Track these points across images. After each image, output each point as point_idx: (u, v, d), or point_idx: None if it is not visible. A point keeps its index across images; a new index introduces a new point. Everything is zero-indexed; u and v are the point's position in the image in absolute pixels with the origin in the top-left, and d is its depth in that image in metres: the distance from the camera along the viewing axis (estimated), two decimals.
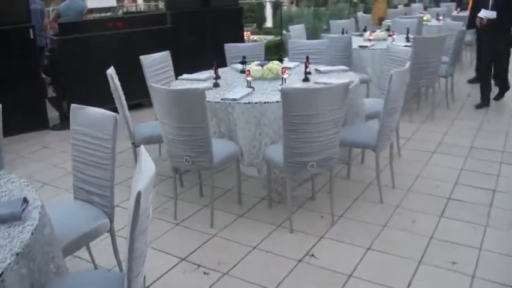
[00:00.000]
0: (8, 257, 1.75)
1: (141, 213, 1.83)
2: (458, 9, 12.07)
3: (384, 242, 3.62)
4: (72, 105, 3.12)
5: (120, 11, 13.45)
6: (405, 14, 10.81)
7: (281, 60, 5.14)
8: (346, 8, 15.86)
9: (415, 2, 18.25)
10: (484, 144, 5.58)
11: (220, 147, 3.85)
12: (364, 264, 3.36)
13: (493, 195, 4.30)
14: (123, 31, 7.27)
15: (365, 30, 8.07)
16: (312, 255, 3.46)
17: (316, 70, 5.04)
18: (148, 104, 5.91)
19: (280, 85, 4.38)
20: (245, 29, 11.56)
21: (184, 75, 5.03)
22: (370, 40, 7.25)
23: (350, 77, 4.63)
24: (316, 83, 4.49)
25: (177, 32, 7.70)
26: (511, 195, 4.31)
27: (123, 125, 4.39)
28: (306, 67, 4.68)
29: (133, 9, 15.89)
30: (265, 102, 3.94)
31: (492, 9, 6.35)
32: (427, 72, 6.32)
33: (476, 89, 7.35)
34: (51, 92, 7.59)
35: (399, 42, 6.90)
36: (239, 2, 9.00)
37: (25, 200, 2.14)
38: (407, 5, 15.08)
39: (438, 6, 14.04)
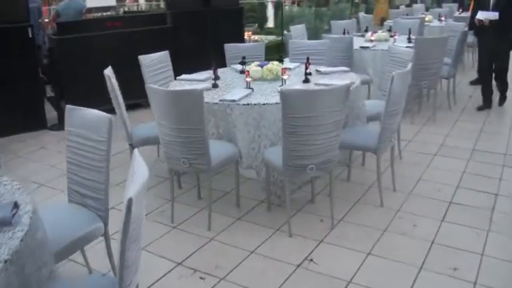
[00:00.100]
0: None
1: (132, 221, 1.77)
2: (460, 10, 12.00)
3: (384, 247, 3.55)
4: (68, 106, 3.07)
5: (121, 10, 13.40)
6: (407, 15, 10.75)
7: (281, 61, 5.08)
8: (348, 8, 15.80)
9: (416, 2, 18.20)
10: (486, 146, 5.52)
11: (219, 149, 3.79)
12: (364, 270, 3.29)
13: (495, 199, 4.24)
14: (123, 31, 7.22)
15: (366, 30, 8.01)
16: (311, 260, 3.40)
17: (317, 71, 4.98)
18: (147, 104, 5.83)
19: (280, 86, 4.32)
20: (246, 29, 11.53)
21: (183, 76, 4.97)
22: (371, 41, 7.18)
23: (351, 78, 4.56)
24: (316, 84, 4.43)
25: (177, 32, 7.63)
26: None
27: (121, 125, 4.34)
28: (306, 68, 4.61)
29: (135, 8, 15.85)
30: (264, 104, 3.88)
31: (493, 10, 6.26)
32: (428, 74, 6.25)
33: (478, 91, 7.28)
34: (50, 92, 7.54)
35: (401, 43, 6.85)
36: (240, 2, 8.94)
37: (16, 205, 2.08)
38: (409, 5, 15.01)
39: (440, 7, 13.97)
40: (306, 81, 4.55)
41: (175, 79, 5.06)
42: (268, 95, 4.13)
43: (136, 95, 5.85)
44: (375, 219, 3.95)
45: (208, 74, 4.90)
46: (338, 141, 3.62)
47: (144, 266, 3.23)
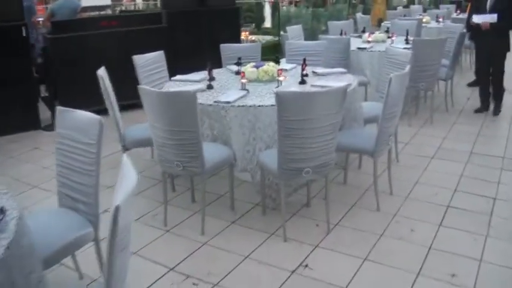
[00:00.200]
0: None
1: (120, 230, 1.70)
2: (458, 11, 11.97)
3: (381, 252, 3.49)
4: (58, 108, 3.02)
5: (118, 9, 13.33)
6: (404, 16, 10.69)
7: (277, 62, 5.02)
8: (345, 8, 15.74)
9: (414, 3, 18.18)
10: (483, 149, 5.46)
11: (213, 152, 3.72)
12: (360, 276, 3.23)
13: (493, 203, 4.18)
14: (118, 30, 7.14)
15: (364, 31, 7.94)
16: (306, 265, 3.33)
17: (314, 72, 4.92)
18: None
19: (276, 87, 4.26)
20: (244, 29, 11.47)
21: (178, 76, 4.89)
22: (369, 42, 7.13)
23: (348, 80, 4.50)
24: (312, 85, 4.36)
25: (172, 32, 7.56)
26: (511, 204, 4.19)
27: (114, 127, 4.27)
28: (303, 69, 4.55)
29: (132, 7, 15.79)
30: (259, 106, 3.81)
31: (490, 12, 6.17)
32: (426, 75, 6.20)
33: (475, 93, 7.22)
34: (44, 92, 7.46)
35: (398, 44, 6.80)
36: (237, 2, 8.87)
37: (1, 211, 2.01)
38: (406, 6, 14.99)
39: (438, 8, 13.93)
40: (302, 82, 4.48)
41: (170, 80, 4.99)
42: (264, 96, 4.07)
43: (132, 95, 5.74)
44: (372, 223, 3.88)
45: (203, 74, 4.83)
46: (334, 144, 3.55)
47: (135, 271, 3.16)
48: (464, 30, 7.01)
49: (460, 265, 3.31)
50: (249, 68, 4.61)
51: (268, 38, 12.03)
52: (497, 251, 3.49)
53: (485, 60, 6.57)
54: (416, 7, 13.18)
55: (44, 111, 6.83)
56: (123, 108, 5.42)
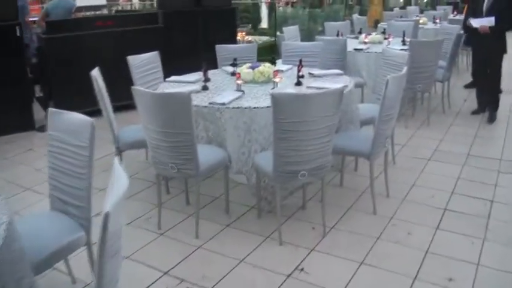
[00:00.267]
0: None
1: (110, 237, 1.66)
2: (455, 12, 11.95)
3: (378, 256, 3.45)
4: (50, 110, 2.96)
5: (114, 9, 13.28)
6: (401, 17, 10.67)
7: (273, 63, 4.97)
8: (342, 9, 15.73)
9: (411, 4, 18.19)
10: (480, 151, 5.43)
11: (207, 154, 3.67)
12: (357, 280, 3.18)
13: (490, 206, 4.15)
14: (113, 30, 7.08)
15: (360, 32, 7.91)
16: (302, 269, 3.29)
17: (310, 74, 4.87)
18: None
19: (272, 89, 4.22)
20: (240, 29, 11.43)
21: (173, 77, 4.84)
22: (365, 43, 7.10)
23: (344, 82, 4.46)
24: (308, 87, 4.33)
25: (168, 32, 7.51)
26: (509, 207, 4.15)
27: (108, 128, 4.22)
28: (299, 71, 4.50)
29: (129, 7, 15.73)
30: (255, 108, 3.77)
31: (487, 14, 6.10)
32: (423, 77, 6.16)
33: (472, 94, 7.20)
34: (39, 92, 7.41)
35: (395, 45, 6.76)
36: (234, 2, 8.83)
37: None
38: (403, 7, 14.98)
39: (434, 9, 13.92)
40: (298, 84, 4.44)
41: (164, 80, 4.94)
42: (260, 98, 4.02)
43: (127, 96, 5.70)
44: (368, 226, 3.84)
45: (198, 75, 4.78)
46: (331, 146, 3.51)
47: (128, 276, 3.13)
48: (462, 32, 6.97)
49: (457, 269, 3.28)
50: (244, 69, 4.56)
51: (265, 38, 12.00)
52: (494, 254, 3.45)
53: (482, 63, 6.52)
54: (413, 8, 13.16)
55: (38, 112, 6.76)
56: (118, 109, 5.37)
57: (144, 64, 4.97)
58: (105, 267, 1.73)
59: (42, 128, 6.53)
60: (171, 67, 5.36)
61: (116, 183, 1.80)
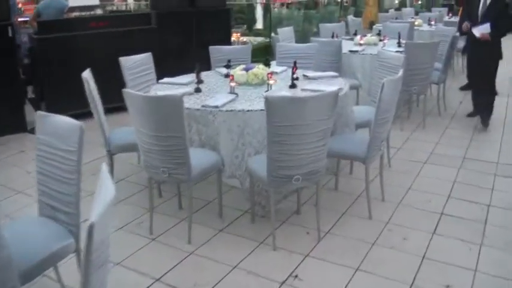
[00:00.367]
0: None
1: (96, 247, 1.59)
2: (450, 14, 11.92)
3: (373, 261, 3.39)
4: (38, 113, 2.88)
5: (109, 9, 13.19)
6: (396, 19, 10.62)
7: (267, 64, 4.90)
8: (337, 11, 15.68)
9: (406, 6, 18.17)
10: (477, 154, 5.39)
11: (200, 158, 3.60)
12: (352, 287, 3.12)
13: (487, 211, 4.10)
14: (106, 31, 6.99)
15: (355, 34, 7.86)
16: (296, 276, 3.22)
17: (304, 76, 4.81)
18: None
19: (266, 91, 4.15)
20: (235, 30, 11.37)
21: (165, 79, 4.76)
22: (360, 45, 7.04)
23: (339, 84, 4.40)
24: (303, 89, 4.26)
25: (161, 33, 7.43)
26: (506, 211, 4.10)
27: (99, 130, 4.15)
28: (293, 73, 4.44)
29: (124, 7, 15.64)
30: (248, 111, 3.70)
31: (482, 19, 6.00)
32: (419, 79, 6.11)
33: (468, 96, 7.15)
34: (31, 93, 7.32)
35: (390, 47, 6.71)
36: (229, 3, 8.77)
37: None
38: (398, 9, 14.96)
39: (430, 11, 13.89)
40: (293, 86, 4.38)
41: (157, 82, 4.86)
42: (253, 100, 3.95)
43: (120, 98, 5.64)
44: (363, 231, 3.78)
45: (191, 77, 4.71)
46: (325, 150, 3.45)
47: (118, 282, 3.07)
48: (457, 34, 6.92)
49: (455, 275, 3.22)
50: (238, 71, 4.50)
51: (260, 39, 11.95)
52: (492, 260, 3.39)
53: (477, 68, 6.39)
54: (408, 10, 13.13)
55: (30, 113, 6.66)
56: (111, 110, 5.32)
57: (136, 65, 4.89)
58: (91, 278, 1.66)
59: (34, 130, 6.43)
60: (164, 68, 5.29)
61: (103, 191, 1.73)
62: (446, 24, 9.29)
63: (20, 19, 8.56)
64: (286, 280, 3.17)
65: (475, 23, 5.98)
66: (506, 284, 3.15)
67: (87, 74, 4.07)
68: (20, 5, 11.08)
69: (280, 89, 4.32)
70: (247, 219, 3.96)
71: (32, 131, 6.30)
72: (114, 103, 4.98)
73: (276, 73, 4.89)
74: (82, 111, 5.03)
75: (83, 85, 4.08)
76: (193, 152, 3.49)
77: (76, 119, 2.67)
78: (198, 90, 4.28)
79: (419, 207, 4.17)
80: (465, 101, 7.42)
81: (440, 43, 6.44)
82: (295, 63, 4.51)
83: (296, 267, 3.31)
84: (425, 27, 9.96)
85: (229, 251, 3.52)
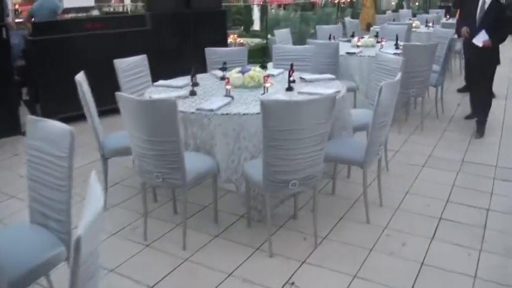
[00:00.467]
0: None
1: (84, 259, 1.52)
2: (448, 16, 11.89)
3: (371, 268, 3.32)
4: (29, 117, 2.82)
5: (106, 10, 13.13)
6: (393, 20, 10.58)
7: (264, 67, 4.84)
8: (334, 12, 15.64)
9: (403, 7, 18.14)
10: (475, 158, 5.33)
11: (195, 163, 3.53)
12: None
13: (487, 215, 4.04)
14: (100, 32, 6.92)
15: (353, 36, 7.81)
16: (293, 283, 3.15)
17: (301, 78, 4.75)
18: None
19: (262, 94, 4.09)
20: (232, 31, 11.32)
21: (160, 82, 4.70)
22: (358, 46, 6.99)
23: (336, 87, 4.34)
24: (299, 92, 4.20)
25: (157, 35, 7.37)
26: (505, 216, 4.05)
27: (93, 134, 4.08)
28: (290, 75, 4.38)
29: (121, 9, 15.59)
30: (244, 114, 3.63)
31: (480, 23, 5.88)
32: (417, 81, 6.06)
33: (466, 98, 7.10)
34: (26, 95, 7.24)
35: (388, 49, 6.66)
36: (226, 4, 8.71)
37: None
38: (395, 10, 14.91)
39: (427, 12, 13.86)
40: (289, 89, 4.32)
41: (152, 85, 4.79)
42: (249, 104, 3.89)
43: (115, 100, 5.59)
44: (361, 237, 3.72)
45: (186, 80, 4.64)
46: (322, 155, 3.39)
47: None
48: (455, 36, 6.86)
49: (454, 282, 3.17)
50: (234, 74, 4.43)
51: (257, 40, 11.92)
52: (491, 267, 3.34)
53: (476, 73, 6.29)
54: (405, 11, 13.09)
55: (25, 116, 6.58)
56: (105, 113, 5.24)
57: (131, 68, 4.82)
58: None
59: None
60: (160, 71, 5.23)
61: (91, 201, 1.66)
62: (444, 26, 9.24)
63: (16, 20, 8.47)
64: None
65: (473, 26, 5.89)
66: None
67: (80, 77, 4.00)
68: (16, 6, 11.03)
69: (276, 91, 4.26)
70: (243, 224, 3.90)
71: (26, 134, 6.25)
72: (109, 105, 4.90)
73: (273, 75, 4.83)
74: (77, 113, 4.95)
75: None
76: (188, 157, 3.43)
77: (72, 121, 2.62)
78: (193, 93, 4.21)
79: (418, 212, 4.11)
80: (463, 103, 7.37)
81: (438, 45, 6.38)
82: (291, 65, 4.45)
83: (292, 275, 3.25)
84: (423, 29, 9.93)
85: (225, 257, 3.45)
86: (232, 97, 4.02)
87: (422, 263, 3.37)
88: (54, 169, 2.57)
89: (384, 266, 3.35)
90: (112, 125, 4.85)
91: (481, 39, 5.75)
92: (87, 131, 4.07)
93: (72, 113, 5.60)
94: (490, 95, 6.33)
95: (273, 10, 16.00)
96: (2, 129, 6.20)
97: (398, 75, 4.01)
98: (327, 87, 4.35)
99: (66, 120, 2.82)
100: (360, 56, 6.52)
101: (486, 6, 5.81)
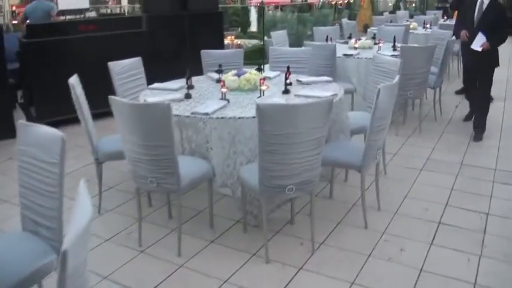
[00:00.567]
0: None
1: (71, 273, 1.46)
2: (445, 17, 11.84)
3: (370, 274, 3.26)
4: (19, 122, 2.76)
5: (103, 12, 13.09)
6: (391, 22, 10.53)
7: (260, 69, 4.78)
8: (331, 14, 15.60)
9: (400, 8, 18.10)
10: (474, 160, 5.28)
11: (190, 167, 3.47)
12: None
13: (486, 219, 3.99)
14: (95, 34, 6.85)
15: (350, 37, 7.75)
16: None
17: (298, 81, 4.69)
18: None
19: (258, 97, 4.03)
20: (230, 33, 11.28)
21: (155, 84, 4.63)
22: (355, 48, 6.94)
23: (334, 90, 4.29)
24: (296, 95, 4.15)
25: (153, 37, 7.31)
26: (505, 220, 4.00)
27: (86, 138, 4.02)
28: (286, 78, 4.32)
29: (118, 10, 15.56)
30: (240, 118, 3.57)
31: (478, 25, 5.80)
32: (415, 83, 6.01)
33: (464, 100, 7.05)
34: (20, 98, 7.18)
35: (385, 51, 6.60)
36: (223, 6, 8.66)
37: None
38: (392, 12, 14.88)
39: (424, 14, 13.81)
40: (286, 92, 4.26)
41: (147, 88, 4.73)
42: (245, 107, 3.83)
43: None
44: (359, 242, 3.66)
45: (182, 82, 4.57)
46: (319, 159, 3.33)
47: None
48: (453, 38, 6.81)
49: None
50: (229, 76, 4.37)
51: (254, 42, 11.88)
52: (491, 273, 3.29)
53: (473, 75, 6.22)
54: (402, 13, 13.04)
55: (21, 119, 6.51)
56: (101, 115, 5.17)
57: (125, 70, 4.75)
58: None
59: None
60: (155, 73, 5.16)
61: (78, 212, 1.60)
62: (442, 27, 9.21)
63: (13, 22, 8.42)
64: None
65: (471, 28, 5.82)
66: None
67: (73, 80, 3.94)
68: (13, 8, 10.97)
69: (273, 94, 4.21)
70: (239, 229, 3.83)
71: None
72: (104, 108, 4.84)
73: (269, 78, 4.78)
74: (73, 116, 4.89)
75: None
76: (183, 161, 3.37)
77: (67, 124, 2.56)
78: (188, 96, 4.15)
79: (416, 216, 4.06)
80: (461, 105, 7.33)
81: (436, 47, 6.33)
82: (288, 68, 4.40)
83: (289, 281, 3.19)
84: (421, 30, 9.88)
85: (221, 263, 3.39)
86: (228, 100, 3.96)
87: (421, 269, 3.31)
88: (45, 175, 2.51)
89: (382, 272, 3.29)
90: (107, 127, 4.79)
91: (479, 43, 5.68)
92: (82, 133, 4.01)
93: (67, 116, 5.53)
94: (488, 99, 6.27)
95: (270, 11, 15.96)
96: None
97: (397, 78, 3.96)
98: (324, 89, 4.30)
99: (61, 123, 2.77)
100: (358, 58, 6.47)
101: (484, 6, 5.74)
